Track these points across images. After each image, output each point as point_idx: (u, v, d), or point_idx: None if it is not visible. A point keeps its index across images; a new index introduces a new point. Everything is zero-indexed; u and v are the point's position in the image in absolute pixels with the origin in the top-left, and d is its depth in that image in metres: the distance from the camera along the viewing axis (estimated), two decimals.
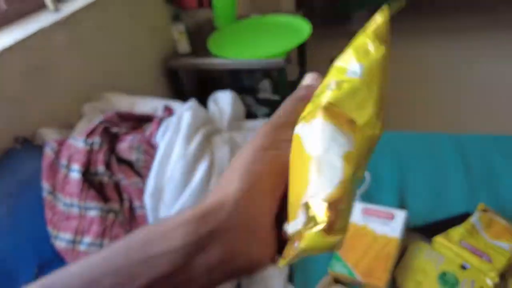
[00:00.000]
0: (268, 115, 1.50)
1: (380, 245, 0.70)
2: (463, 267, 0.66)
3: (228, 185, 0.22)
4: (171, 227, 0.21)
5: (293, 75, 1.76)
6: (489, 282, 0.63)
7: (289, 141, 0.23)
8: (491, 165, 0.89)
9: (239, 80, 1.65)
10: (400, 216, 0.73)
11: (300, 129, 0.22)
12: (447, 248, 0.69)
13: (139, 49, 1.40)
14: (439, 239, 0.70)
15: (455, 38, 3.06)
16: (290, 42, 1.34)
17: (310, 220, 0.19)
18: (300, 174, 0.21)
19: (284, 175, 0.23)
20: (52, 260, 0.65)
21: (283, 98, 1.39)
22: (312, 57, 2.83)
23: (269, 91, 1.62)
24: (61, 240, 0.65)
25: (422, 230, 0.77)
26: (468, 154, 0.93)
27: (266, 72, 1.74)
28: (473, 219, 0.74)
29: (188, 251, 0.21)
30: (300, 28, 1.43)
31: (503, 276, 0.65)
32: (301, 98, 0.26)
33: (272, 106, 1.57)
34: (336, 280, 0.72)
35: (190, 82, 1.67)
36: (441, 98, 2.36)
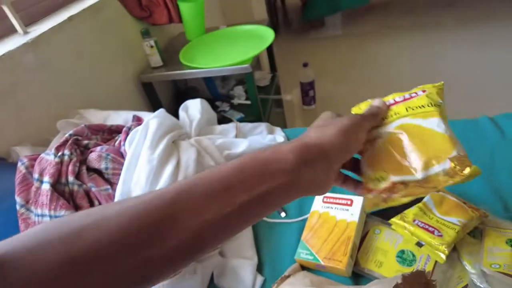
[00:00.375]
0: (243, 119, 1.55)
1: (341, 230, 0.74)
2: (419, 244, 0.71)
3: (324, 134, 0.38)
4: (283, 153, 0.35)
5: (264, 81, 1.82)
6: (442, 255, 0.67)
7: (362, 130, 0.41)
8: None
9: (214, 89, 1.70)
10: (358, 201, 0.78)
11: (419, 121, 0.41)
12: (403, 228, 0.73)
13: (113, 65, 1.44)
14: (395, 220, 0.75)
15: (421, 35, 3.17)
16: (256, 48, 1.40)
17: (459, 164, 0.36)
18: (429, 142, 0.39)
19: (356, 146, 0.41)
20: None
21: (255, 101, 1.45)
22: (286, 60, 2.90)
23: (243, 96, 1.67)
24: None
25: (382, 214, 0.81)
26: None
27: (239, 79, 1.80)
28: (426, 198, 0.79)
29: (298, 168, 0.34)
30: (265, 35, 1.50)
31: (455, 248, 0.70)
32: (374, 113, 0.44)
33: (246, 111, 1.62)
34: (303, 267, 0.75)
35: (166, 94, 1.72)
36: (409, 88, 2.43)
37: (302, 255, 0.74)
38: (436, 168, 0.38)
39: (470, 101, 2.19)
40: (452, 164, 0.37)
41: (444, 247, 0.66)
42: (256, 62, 1.46)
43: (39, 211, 0.71)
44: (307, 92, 2.33)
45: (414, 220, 0.73)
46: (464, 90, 2.31)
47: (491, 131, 0.96)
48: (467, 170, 0.36)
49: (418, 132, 0.40)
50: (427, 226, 0.71)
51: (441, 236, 0.68)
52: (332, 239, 0.74)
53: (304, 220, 0.82)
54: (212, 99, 1.71)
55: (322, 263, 0.71)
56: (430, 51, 2.87)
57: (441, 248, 0.66)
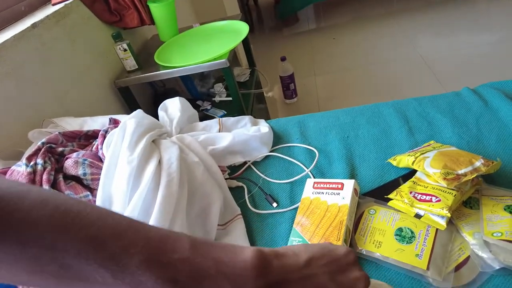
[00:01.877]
0: (226, 116, 1.51)
1: (333, 214, 0.72)
2: (418, 216, 0.69)
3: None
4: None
5: (244, 76, 1.79)
6: (442, 222, 0.65)
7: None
8: (431, 121, 0.93)
9: (193, 88, 1.66)
10: (349, 184, 0.76)
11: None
12: (399, 202, 0.71)
13: (86, 72, 1.39)
14: (391, 196, 0.73)
15: (393, 22, 3.21)
16: (231, 43, 1.37)
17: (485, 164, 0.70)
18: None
19: None
20: None
21: (236, 97, 1.41)
22: (264, 58, 2.89)
23: (224, 93, 1.64)
24: None
25: (375, 194, 0.79)
26: (409, 115, 0.97)
27: (218, 77, 1.77)
28: (418, 173, 0.77)
29: None
30: (239, 29, 1.47)
31: (452, 222, 0.69)
32: None
33: (228, 108, 1.59)
34: None
35: (144, 97, 1.67)
36: (388, 74, 2.46)
37: (294, 243, 0.71)
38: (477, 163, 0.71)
39: (447, 79, 2.22)
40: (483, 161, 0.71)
41: (445, 210, 0.64)
42: (233, 57, 1.43)
43: None
44: (288, 86, 2.31)
45: (410, 193, 0.71)
46: (440, 70, 2.33)
47: (474, 102, 0.95)
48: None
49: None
50: (424, 196, 0.69)
51: (439, 201, 0.66)
52: (324, 224, 0.71)
53: (296, 209, 0.79)
54: (193, 99, 1.67)
55: None
56: (404, 37, 2.90)
57: (442, 213, 0.65)
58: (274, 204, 0.83)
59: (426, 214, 0.68)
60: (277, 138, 1.02)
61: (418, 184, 0.73)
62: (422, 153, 0.78)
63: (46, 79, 1.19)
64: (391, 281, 0.65)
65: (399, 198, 0.72)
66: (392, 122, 0.96)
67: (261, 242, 0.77)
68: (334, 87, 2.52)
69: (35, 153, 0.76)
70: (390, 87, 2.32)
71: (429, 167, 0.73)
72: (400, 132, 0.93)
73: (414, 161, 0.77)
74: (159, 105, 1.06)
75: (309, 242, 0.69)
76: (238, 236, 0.77)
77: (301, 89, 2.50)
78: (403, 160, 0.81)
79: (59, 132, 0.86)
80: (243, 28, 1.46)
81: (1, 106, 1.00)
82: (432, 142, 0.86)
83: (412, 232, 0.69)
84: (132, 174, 0.71)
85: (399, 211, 0.72)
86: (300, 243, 0.35)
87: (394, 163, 0.83)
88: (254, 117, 1.12)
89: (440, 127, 0.90)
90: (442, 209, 0.65)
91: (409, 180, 0.76)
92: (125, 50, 1.43)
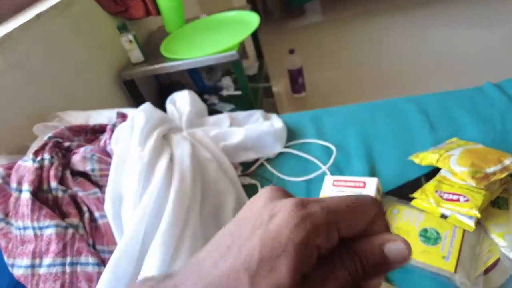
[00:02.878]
0: (234, 111, 1.48)
1: None
2: (444, 216, 0.65)
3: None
4: None
5: (252, 70, 1.74)
6: (471, 223, 0.62)
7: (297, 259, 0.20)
8: (452, 118, 0.89)
9: (200, 82, 1.62)
10: (371, 183, 0.72)
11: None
12: (424, 202, 0.68)
13: (90, 64, 1.35)
14: (415, 196, 0.69)
15: (402, 15, 3.15)
16: (241, 34, 1.32)
17: None
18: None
19: None
20: None
21: (245, 91, 1.37)
22: (271, 51, 2.83)
23: (232, 87, 1.60)
24: (18, 267, 0.60)
25: (397, 193, 0.76)
26: (429, 111, 0.93)
27: (225, 70, 1.72)
28: (442, 171, 0.73)
29: None
30: (249, 20, 1.42)
31: (480, 222, 0.65)
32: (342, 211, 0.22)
33: (236, 102, 1.55)
34: None
35: (149, 91, 1.63)
36: (399, 69, 2.41)
37: None
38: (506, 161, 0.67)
39: (460, 74, 2.17)
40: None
41: (474, 210, 0.61)
42: (242, 49, 1.39)
43: (20, 223, 0.62)
44: (296, 80, 2.26)
45: (436, 192, 0.67)
46: (452, 65, 2.28)
47: (498, 97, 0.91)
48: None
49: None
50: (451, 195, 0.65)
51: (468, 200, 0.63)
52: None
53: None
54: (199, 93, 1.63)
55: None
56: (415, 30, 2.84)
57: (471, 213, 0.61)
58: None
59: (453, 214, 0.65)
60: (291, 134, 0.98)
61: (444, 183, 0.70)
62: (447, 151, 0.75)
63: (50, 71, 1.15)
64: (416, 284, 0.61)
65: (424, 198, 0.68)
66: (413, 118, 0.93)
67: None
68: (343, 82, 2.48)
69: (42, 148, 0.73)
70: (402, 82, 2.27)
71: (456, 165, 0.69)
72: (421, 128, 0.89)
73: (438, 159, 0.73)
74: (164, 99, 1.03)
75: None
76: None
77: (309, 84, 2.45)
78: (427, 158, 0.77)
79: (65, 127, 0.83)
80: (253, 19, 1.41)
81: (5, 98, 0.97)
82: (455, 139, 0.82)
83: (437, 233, 0.65)
84: (143, 170, 0.68)
85: (423, 211, 0.69)
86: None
87: (417, 160, 0.80)
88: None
89: (463, 124, 0.87)
90: (471, 209, 0.61)
91: (434, 179, 0.72)
92: (130, 41, 1.39)
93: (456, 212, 0.64)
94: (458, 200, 0.64)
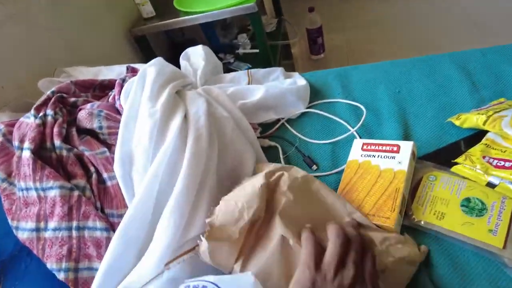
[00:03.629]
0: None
1: (386, 181, 0.61)
2: (491, 184, 0.57)
3: None
4: None
5: (270, 26, 1.63)
6: None
7: None
8: (499, 75, 0.79)
9: (215, 39, 1.52)
10: (406, 146, 0.64)
11: None
12: (468, 169, 0.60)
13: (99, 18, 1.27)
14: (458, 161, 0.62)
15: None
16: None
17: None
18: None
19: None
20: (16, 254, 0.56)
21: (263, 48, 1.28)
22: (289, 8, 2.67)
23: (248, 45, 1.50)
24: (23, 230, 0.56)
25: (432, 158, 0.68)
26: (471, 69, 0.83)
27: (241, 27, 1.61)
28: (490, 134, 0.65)
29: None
30: None
31: None
32: None
33: (253, 61, 1.45)
34: None
35: (162, 48, 1.54)
36: (428, 28, 2.24)
37: None
38: None
39: (491, 33, 2.01)
40: None
41: None
42: (260, 4, 1.28)
43: (22, 184, 0.58)
44: (315, 40, 2.13)
45: (483, 158, 0.59)
46: (483, 22, 2.10)
47: None
48: None
49: None
50: (502, 162, 0.57)
51: None
52: (376, 192, 0.61)
53: (340, 173, 0.69)
54: (214, 51, 1.53)
55: (365, 221, 0.58)
56: None
57: None
58: (314, 167, 0.73)
59: (503, 183, 0.57)
60: (314, 93, 0.90)
61: (493, 148, 0.61)
62: (496, 111, 0.65)
63: (55, 25, 1.07)
64: (455, 259, 0.55)
65: (469, 164, 0.60)
66: (452, 76, 0.83)
67: None
68: (365, 42, 2.33)
69: (44, 103, 0.67)
70: (428, 42, 2.11)
71: (509, 128, 0.60)
72: (461, 87, 0.79)
73: (486, 121, 0.65)
74: (177, 58, 0.95)
75: (358, 212, 0.59)
76: None
77: (329, 45, 2.31)
78: (470, 119, 0.68)
79: (71, 81, 0.76)
80: None
81: (8, 52, 0.91)
82: (503, 99, 0.73)
83: (483, 204, 0.58)
84: (155, 128, 0.61)
85: (466, 178, 0.61)
86: None
87: (457, 123, 0.71)
88: None
89: (510, 82, 0.76)
90: None
91: (480, 143, 0.64)
92: None
93: (508, 181, 0.56)
94: (511, 167, 0.56)
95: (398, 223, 0.58)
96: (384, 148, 0.66)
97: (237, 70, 1.41)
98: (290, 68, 1.94)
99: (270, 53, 1.28)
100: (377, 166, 0.64)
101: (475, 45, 0.92)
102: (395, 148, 0.65)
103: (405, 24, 2.35)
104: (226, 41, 1.53)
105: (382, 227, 0.58)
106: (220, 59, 1.51)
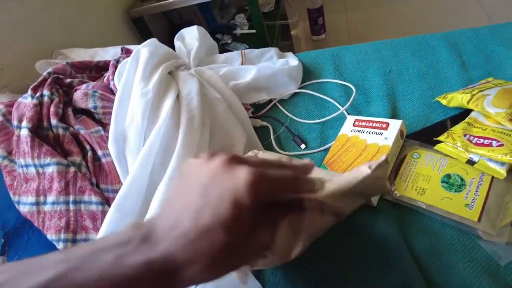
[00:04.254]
0: None
1: (370, 154, 0.64)
2: (471, 162, 0.59)
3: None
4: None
5: (268, 6, 1.62)
6: (502, 169, 0.56)
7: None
8: (489, 55, 0.80)
9: (212, 19, 1.52)
10: (395, 125, 0.66)
11: None
12: (450, 147, 0.62)
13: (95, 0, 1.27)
14: (441, 139, 0.64)
15: None
16: None
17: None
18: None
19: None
20: (19, 226, 0.60)
21: (260, 28, 1.28)
22: None
23: (246, 25, 1.50)
24: (24, 204, 0.59)
25: (419, 136, 0.70)
26: (461, 48, 0.83)
27: (239, 7, 1.61)
28: (473, 113, 0.66)
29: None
30: None
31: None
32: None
33: (250, 41, 1.45)
34: None
35: (160, 31, 1.55)
36: (430, 8, 2.21)
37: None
38: None
39: (496, 12, 1.97)
40: None
41: (509, 156, 0.55)
42: None
43: (22, 161, 0.61)
44: (316, 20, 2.11)
45: (464, 135, 0.61)
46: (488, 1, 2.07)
47: None
48: None
49: None
50: (482, 139, 0.59)
51: (502, 145, 0.56)
52: (359, 163, 0.64)
53: (327, 150, 0.71)
54: (212, 32, 1.53)
55: None
56: None
57: (504, 159, 0.55)
58: (303, 146, 0.75)
59: (482, 160, 0.59)
60: (307, 74, 0.91)
61: (474, 126, 0.63)
62: (481, 90, 0.67)
63: (51, 6, 1.08)
64: (433, 232, 0.58)
65: (451, 141, 0.62)
66: (442, 55, 0.83)
67: None
68: (366, 23, 2.30)
69: (41, 84, 0.69)
70: (432, 24, 2.08)
71: (491, 106, 0.62)
72: (451, 67, 0.80)
73: (470, 99, 0.66)
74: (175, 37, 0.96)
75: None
76: None
77: (329, 25, 2.29)
78: (456, 98, 0.69)
79: (67, 63, 0.78)
80: None
81: (6, 35, 0.92)
82: (491, 79, 0.74)
83: (462, 180, 0.60)
84: (147, 108, 0.63)
85: (447, 155, 0.63)
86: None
87: (444, 102, 0.72)
88: None
89: (501, 62, 0.77)
90: (505, 155, 0.55)
91: (463, 122, 0.65)
92: None
93: (487, 158, 0.58)
94: (490, 144, 0.58)
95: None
96: (374, 124, 0.68)
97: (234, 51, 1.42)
98: (289, 49, 1.93)
99: (267, 33, 1.29)
100: (364, 140, 0.67)
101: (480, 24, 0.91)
102: (384, 125, 0.67)
103: (407, 4, 2.32)
104: (223, 22, 1.53)
105: None
106: (218, 39, 1.52)
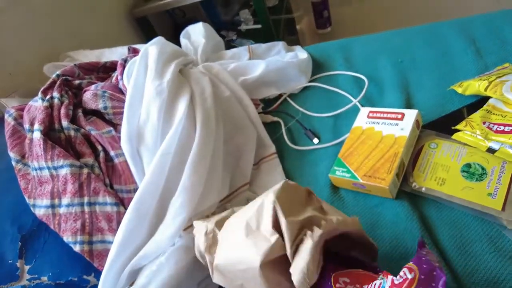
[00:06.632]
0: None
1: (386, 146, 0.62)
2: (491, 150, 0.58)
3: None
4: None
5: (272, 1, 1.60)
6: None
7: None
8: (505, 40, 0.77)
9: (216, 16, 1.50)
10: (410, 115, 0.65)
11: None
12: (469, 135, 0.60)
13: (100, 1, 1.27)
14: (459, 128, 0.62)
15: None
16: None
17: None
18: None
19: None
20: (35, 229, 0.60)
21: (266, 23, 1.26)
22: None
23: (251, 21, 1.48)
24: (39, 207, 0.59)
25: (435, 126, 0.68)
26: (476, 35, 0.81)
27: (242, 2, 1.59)
28: (491, 100, 0.64)
29: None
30: None
31: None
32: None
33: (256, 37, 1.44)
34: (337, 188, 0.66)
35: (164, 29, 1.54)
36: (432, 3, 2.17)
37: (337, 172, 0.63)
38: None
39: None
40: None
41: None
42: None
43: (35, 164, 0.60)
44: (321, 13, 2.08)
45: (483, 123, 0.59)
46: None
47: None
48: None
49: None
50: (502, 126, 0.57)
51: None
52: (375, 155, 0.62)
53: (340, 144, 0.70)
54: (216, 29, 1.52)
55: (361, 180, 0.60)
56: None
57: None
58: (315, 140, 0.74)
59: (503, 147, 0.57)
60: (317, 67, 0.89)
61: (493, 113, 0.61)
62: (499, 76, 0.65)
63: (56, 9, 1.08)
64: (456, 223, 0.56)
65: (469, 130, 0.60)
66: (455, 43, 0.81)
67: (301, 180, 0.69)
68: (372, 15, 2.27)
69: (50, 86, 0.69)
70: (439, 11, 2.05)
71: (510, 93, 0.60)
72: (465, 54, 0.78)
73: (488, 86, 0.64)
74: (179, 37, 0.95)
75: (355, 173, 0.61)
76: (275, 176, 0.69)
77: (335, 18, 2.26)
78: (472, 86, 0.68)
79: (74, 64, 0.78)
80: None
81: (13, 38, 0.92)
82: (507, 64, 0.72)
83: (483, 169, 0.58)
84: (162, 106, 0.63)
85: (466, 144, 0.62)
86: None
87: (460, 90, 0.71)
88: None
89: None
90: None
91: (481, 109, 0.64)
92: None
93: (508, 145, 0.56)
94: (511, 132, 0.56)
95: (393, 185, 0.59)
96: (389, 116, 0.67)
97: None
98: (295, 43, 1.91)
99: (273, 28, 1.27)
100: (380, 132, 0.65)
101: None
102: (399, 116, 0.66)
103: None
104: (227, 18, 1.51)
105: (376, 187, 0.59)
106: (223, 36, 1.50)
